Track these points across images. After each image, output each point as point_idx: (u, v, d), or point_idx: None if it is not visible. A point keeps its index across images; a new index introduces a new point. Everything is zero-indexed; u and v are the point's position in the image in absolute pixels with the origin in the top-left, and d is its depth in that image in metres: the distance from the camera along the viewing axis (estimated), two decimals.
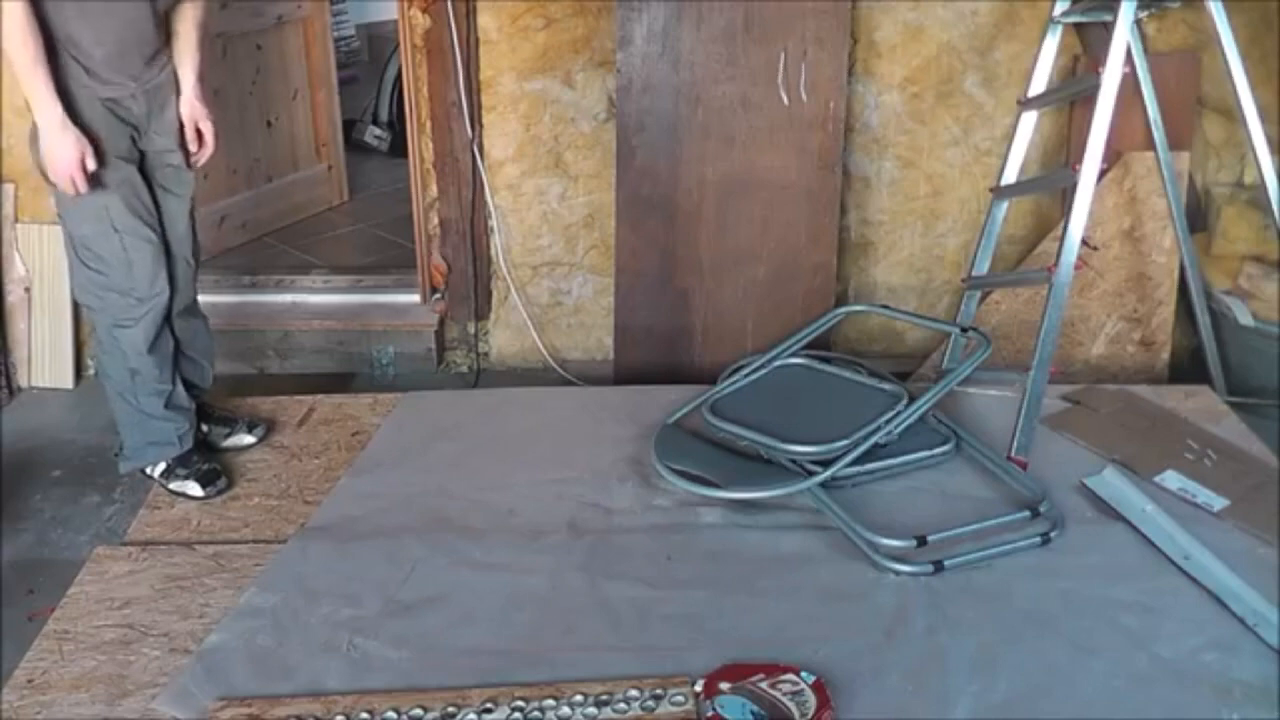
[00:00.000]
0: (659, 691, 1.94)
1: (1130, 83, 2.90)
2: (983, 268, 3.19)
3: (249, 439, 2.82)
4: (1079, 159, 2.76)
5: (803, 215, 3.16)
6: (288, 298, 3.65)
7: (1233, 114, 3.07)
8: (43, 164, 2.34)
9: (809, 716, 1.87)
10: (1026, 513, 2.42)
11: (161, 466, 2.64)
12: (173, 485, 2.62)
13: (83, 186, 2.32)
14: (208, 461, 2.66)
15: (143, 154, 2.49)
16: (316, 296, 3.66)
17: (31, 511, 2.77)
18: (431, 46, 3.24)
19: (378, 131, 5.24)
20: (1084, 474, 2.59)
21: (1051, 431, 2.79)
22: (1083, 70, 3.17)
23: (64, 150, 2.28)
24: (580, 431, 2.86)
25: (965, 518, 2.39)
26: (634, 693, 1.94)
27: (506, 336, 3.57)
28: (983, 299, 3.23)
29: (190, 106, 2.55)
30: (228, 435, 2.81)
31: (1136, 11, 2.79)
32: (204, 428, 2.76)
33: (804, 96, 3.08)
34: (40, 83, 2.24)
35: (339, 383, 3.40)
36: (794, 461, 2.56)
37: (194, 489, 2.61)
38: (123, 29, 2.36)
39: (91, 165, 2.32)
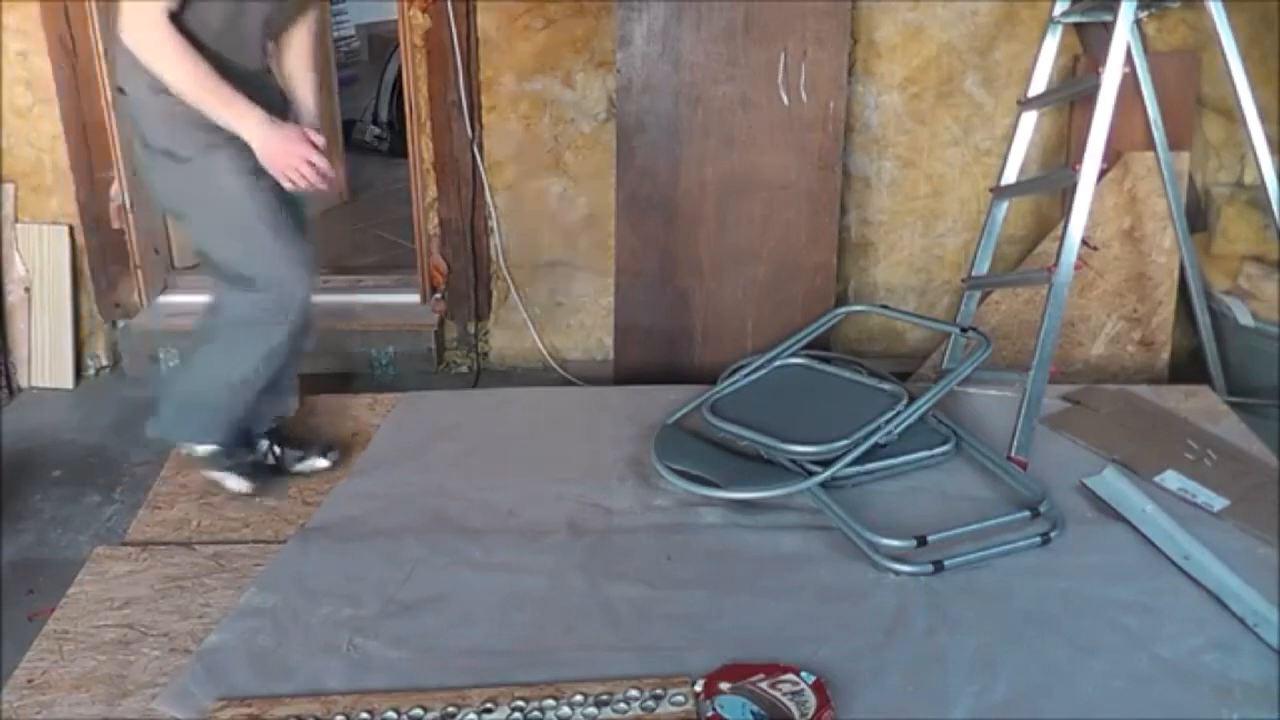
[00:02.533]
0: (659, 691, 1.94)
1: (1130, 83, 2.90)
2: (983, 268, 3.19)
3: (323, 463, 2.70)
4: (1079, 159, 2.76)
5: (803, 215, 3.16)
6: None
7: (1233, 114, 3.07)
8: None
9: (809, 716, 1.86)
10: (1026, 513, 2.42)
11: (209, 450, 2.56)
12: (213, 474, 2.57)
13: (323, 163, 2.21)
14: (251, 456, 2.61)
15: None
16: (316, 296, 3.65)
17: (31, 511, 2.77)
18: (431, 46, 3.24)
19: (378, 131, 5.24)
20: (1084, 474, 2.59)
21: (1051, 431, 2.79)
22: (1083, 70, 3.17)
23: (288, 141, 2.19)
24: (580, 431, 2.86)
25: (965, 518, 2.39)
26: (634, 693, 1.94)
27: (506, 336, 3.57)
28: (983, 299, 3.23)
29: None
30: (301, 459, 2.70)
31: (1136, 11, 2.79)
32: (277, 451, 2.67)
33: (804, 96, 3.08)
34: (225, 92, 2.13)
35: (339, 383, 3.40)
36: (794, 461, 2.56)
37: (235, 482, 2.58)
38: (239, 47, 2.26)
39: (320, 141, 2.23)
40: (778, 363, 2.99)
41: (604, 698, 1.93)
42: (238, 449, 2.60)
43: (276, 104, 2.34)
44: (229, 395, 2.49)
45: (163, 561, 2.36)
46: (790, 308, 3.20)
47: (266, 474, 2.63)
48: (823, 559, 2.34)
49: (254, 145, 2.19)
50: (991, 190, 3.19)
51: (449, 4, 3.16)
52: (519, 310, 3.51)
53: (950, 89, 3.31)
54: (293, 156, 2.20)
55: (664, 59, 3.07)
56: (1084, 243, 2.84)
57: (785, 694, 1.91)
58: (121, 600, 2.24)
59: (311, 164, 2.21)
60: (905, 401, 2.69)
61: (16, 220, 3.38)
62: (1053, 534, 2.37)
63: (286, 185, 2.24)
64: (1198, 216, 3.35)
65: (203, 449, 2.57)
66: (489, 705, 1.93)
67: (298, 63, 2.46)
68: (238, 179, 2.25)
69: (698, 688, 1.94)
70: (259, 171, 2.25)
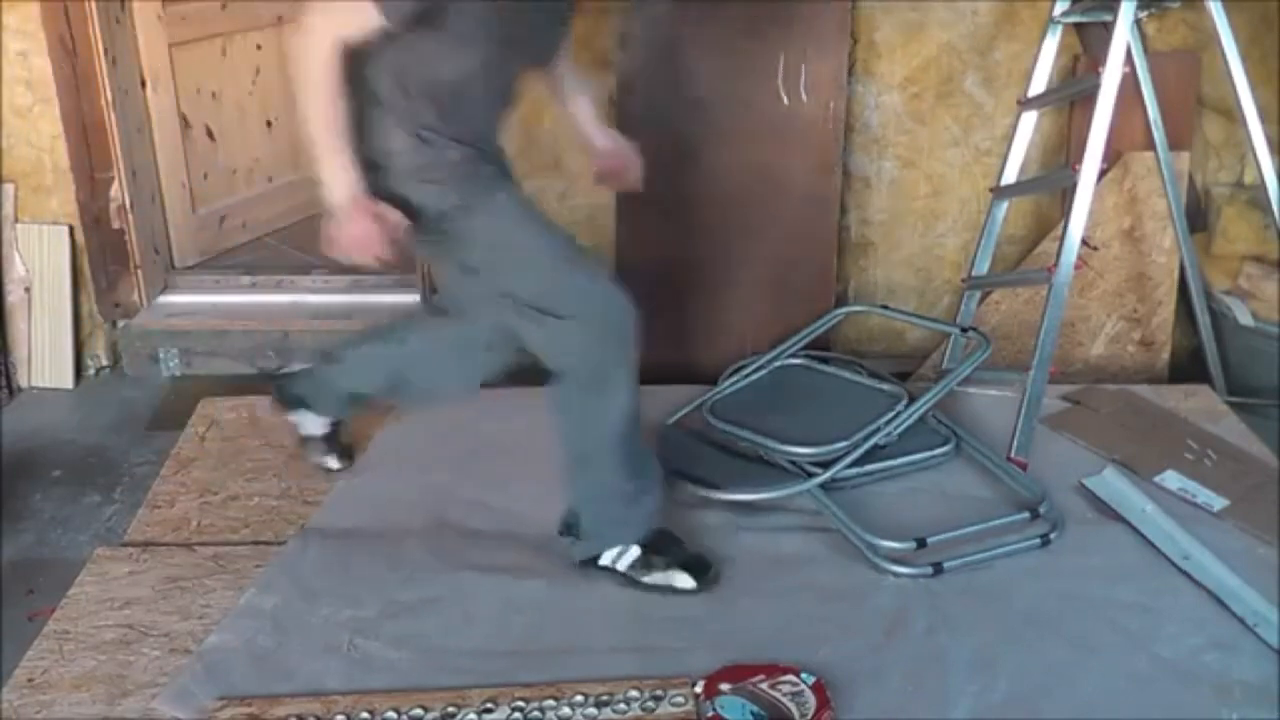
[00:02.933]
0: (659, 692, 1.94)
1: (1130, 83, 2.90)
2: (983, 268, 3.19)
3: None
4: (1079, 159, 2.76)
5: (803, 215, 3.16)
6: (288, 298, 3.65)
7: (1233, 114, 3.07)
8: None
9: (809, 717, 1.87)
10: (1026, 514, 2.42)
11: (632, 554, 2.23)
12: (649, 579, 2.22)
13: (381, 249, 2.02)
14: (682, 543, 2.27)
15: None
16: (316, 296, 3.66)
17: (31, 511, 2.77)
18: None
19: None
20: (1084, 474, 2.59)
21: (1051, 432, 2.79)
22: (1083, 70, 3.17)
23: (359, 220, 2.02)
24: None
25: (965, 519, 2.39)
26: (634, 693, 1.94)
27: None
28: (983, 299, 3.23)
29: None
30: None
31: (1136, 11, 2.79)
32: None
33: (804, 96, 3.08)
34: (337, 146, 1.99)
35: None
36: (793, 463, 2.56)
37: (682, 580, 2.22)
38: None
39: (388, 226, 2.04)
40: (778, 363, 2.99)
41: (604, 698, 1.93)
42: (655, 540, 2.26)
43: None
44: (622, 465, 2.19)
45: (163, 562, 2.37)
46: (790, 308, 3.20)
47: (700, 563, 2.25)
48: (822, 560, 2.34)
49: (334, 205, 2.04)
50: (991, 190, 3.19)
51: None
52: None
53: (950, 89, 3.31)
54: (359, 229, 2.02)
55: (664, 59, 3.07)
56: (1084, 243, 2.84)
57: (785, 694, 1.91)
58: (122, 600, 2.25)
59: (373, 246, 2.03)
60: (905, 402, 2.69)
61: (16, 220, 3.38)
62: (1052, 535, 2.37)
63: (351, 252, 2.06)
64: (1198, 216, 3.35)
65: (631, 553, 2.23)
66: (489, 705, 1.93)
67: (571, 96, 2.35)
68: (521, 208, 2.15)
69: (698, 688, 1.94)
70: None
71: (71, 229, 3.40)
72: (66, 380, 3.43)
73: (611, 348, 2.11)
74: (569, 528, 2.29)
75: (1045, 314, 2.74)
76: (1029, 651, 2.06)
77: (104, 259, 3.44)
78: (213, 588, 2.28)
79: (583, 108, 2.40)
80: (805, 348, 3.04)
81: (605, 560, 2.23)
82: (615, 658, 2.05)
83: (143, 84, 3.51)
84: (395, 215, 2.04)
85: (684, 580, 2.21)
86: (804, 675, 1.94)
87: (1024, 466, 2.61)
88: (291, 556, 2.36)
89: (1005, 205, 3.17)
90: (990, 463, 2.62)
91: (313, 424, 2.67)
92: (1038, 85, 3.08)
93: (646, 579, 2.21)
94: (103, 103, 3.27)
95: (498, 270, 2.14)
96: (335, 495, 2.60)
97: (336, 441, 2.72)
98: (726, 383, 2.93)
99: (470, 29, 1.98)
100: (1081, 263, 2.89)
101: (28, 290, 3.40)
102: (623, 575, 2.22)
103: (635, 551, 2.22)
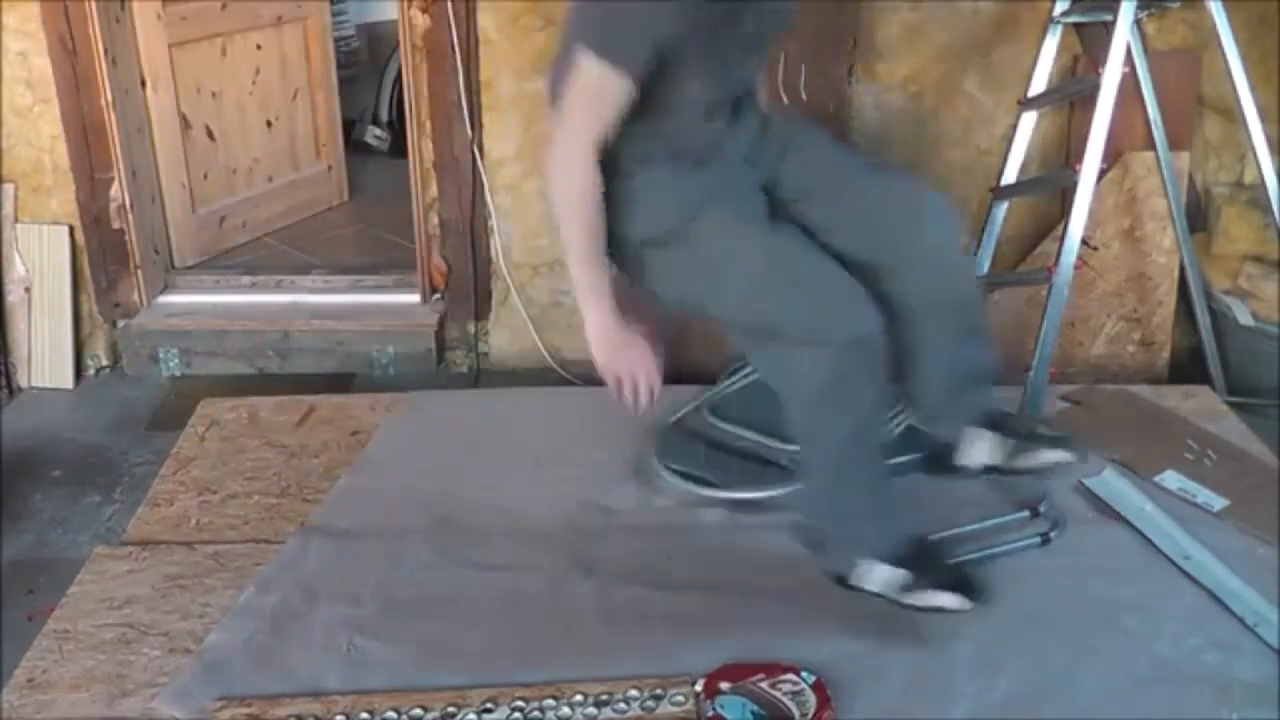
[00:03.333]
0: (659, 691, 1.94)
1: (1130, 83, 2.90)
2: (982, 268, 3.19)
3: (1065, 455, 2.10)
4: (1079, 159, 2.76)
5: None
6: (288, 298, 3.65)
7: (1233, 114, 3.07)
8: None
9: (809, 716, 1.87)
10: (1026, 513, 2.42)
11: (885, 573, 2.01)
12: (912, 599, 2.00)
13: (652, 383, 1.98)
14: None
15: None
16: (316, 296, 3.66)
17: (31, 511, 2.77)
18: (431, 46, 3.24)
19: (378, 131, 5.24)
20: (1084, 474, 2.59)
21: None
22: (1083, 70, 3.17)
23: (624, 347, 1.97)
24: (580, 431, 2.86)
25: (964, 517, 2.38)
26: (634, 693, 1.94)
27: (506, 337, 3.57)
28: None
29: None
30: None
31: (1136, 11, 2.80)
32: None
33: (804, 96, 3.08)
34: (597, 260, 1.89)
35: (339, 383, 3.40)
36: (794, 461, 2.56)
37: (950, 600, 1.99)
38: None
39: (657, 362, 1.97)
40: None
41: (604, 698, 1.93)
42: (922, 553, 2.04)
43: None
44: (856, 467, 1.99)
45: (163, 561, 2.36)
46: None
47: (964, 578, 2.03)
48: None
49: (588, 331, 1.96)
50: (991, 190, 3.19)
51: (449, 4, 3.16)
52: (519, 310, 3.51)
53: (950, 89, 3.31)
54: (620, 364, 1.96)
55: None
56: (1084, 243, 2.84)
57: (785, 694, 1.91)
58: (121, 600, 2.24)
59: (640, 382, 1.96)
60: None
61: (16, 220, 3.38)
62: (1052, 534, 2.37)
63: (608, 381, 1.98)
64: (1198, 216, 3.35)
65: (880, 573, 2.01)
66: (489, 705, 1.93)
67: None
68: (733, 227, 1.94)
69: (698, 688, 1.94)
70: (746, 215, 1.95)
71: (71, 229, 3.40)
72: (66, 380, 3.43)
73: (843, 370, 1.87)
74: (813, 544, 2.13)
75: (1045, 314, 2.74)
76: (1029, 651, 2.06)
77: (104, 259, 3.45)
78: (212, 586, 2.28)
79: None
80: None
81: (855, 581, 2.04)
82: (615, 657, 2.05)
83: (143, 84, 3.51)
84: (647, 312, 1.95)
85: (953, 600, 1.98)
86: (804, 674, 1.94)
87: None
88: (291, 555, 2.36)
89: (1005, 205, 3.17)
90: None
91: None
92: (1038, 85, 3.08)
93: (909, 600, 2.00)
94: (103, 103, 3.27)
95: (714, 299, 1.99)
96: (335, 494, 2.60)
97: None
98: (726, 382, 2.92)
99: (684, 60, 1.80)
100: (1081, 263, 2.89)
101: (28, 290, 3.40)
102: (881, 597, 2.02)
103: (887, 570, 2.00)
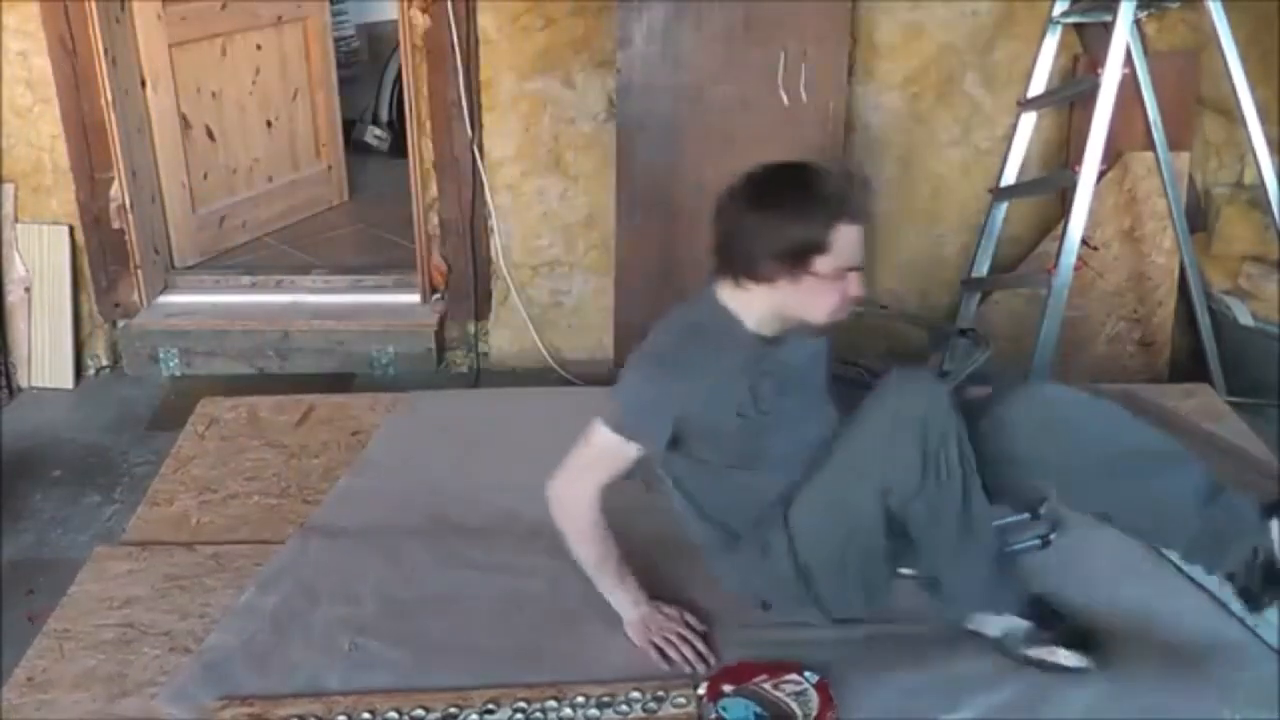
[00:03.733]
0: (661, 693, 1.94)
1: (1130, 83, 2.90)
2: (983, 268, 3.19)
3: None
4: (1079, 159, 2.77)
5: None
6: (287, 298, 3.66)
7: (1233, 114, 3.08)
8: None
9: (812, 717, 1.86)
10: (1026, 514, 2.42)
11: (1004, 623, 2.00)
12: (1030, 652, 1.98)
13: (700, 645, 2.03)
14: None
15: None
16: (316, 296, 3.66)
17: (31, 511, 2.77)
18: (431, 46, 3.24)
19: (378, 131, 5.24)
20: None
21: None
22: (1083, 70, 3.17)
23: (665, 620, 2.06)
24: (580, 431, 2.85)
25: None
26: (636, 694, 1.94)
27: (506, 336, 3.57)
28: (983, 299, 3.23)
29: None
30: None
31: (1136, 11, 2.80)
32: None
33: (804, 96, 3.08)
34: (616, 574, 2.08)
35: (339, 383, 3.40)
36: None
37: (1069, 658, 1.96)
38: None
39: (699, 625, 2.06)
40: None
41: (606, 699, 1.93)
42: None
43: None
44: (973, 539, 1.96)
45: (163, 561, 2.36)
46: None
47: (1082, 635, 1.99)
48: None
49: (626, 623, 2.08)
50: (991, 191, 3.19)
51: (449, 4, 3.16)
52: (519, 310, 3.51)
53: (950, 89, 3.31)
54: (667, 630, 2.04)
55: (664, 59, 3.07)
56: (1084, 243, 2.84)
57: (788, 694, 1.90)
58: (121, 599, 2.24)
59: (689, 642, 2.02)
60: None
61: (16, 220, 3.38)
62: (1052, 535, 2.36)
63: (652, 655, 2.02)
64: (1198, 216, 3.35)
65: (1004, 621, 2.00)
66: (491, 706, 1.92)
67: None
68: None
69: (700, 689, 1.94)
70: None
71: (71, 229, 3.40)
72: (66, 380, 3.43)
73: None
74: (932, 587, 2.09)
75: (1045, 314, 2.75)
76: None
77: (104, 259, 3.45)
78: (212, 587, 2.28)
79: None
80: None
81: (976, 626, 2.04)
82: (617, 658, 2.05)
83: (143, 84, 3.51)
84: (697, 622, 2.07)
85: (1071, 659, 1.96)
86: (807, 674, 1.94)
87: None
88: (291, 555, 2.36)
89: (1005, 206, 3.18)
90: None
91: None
92: (1037, 85, 3.09)
93: (1027, 652, 1.98)
94: (103, 103, 3.27)
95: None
96: (335, 494, 2.60)
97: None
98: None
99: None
100: (1081, 263, 2.89)
101: (28, 290, 3.40)
102: (1000, 645, 2.01)
103: (1007, 620, 2.00)
